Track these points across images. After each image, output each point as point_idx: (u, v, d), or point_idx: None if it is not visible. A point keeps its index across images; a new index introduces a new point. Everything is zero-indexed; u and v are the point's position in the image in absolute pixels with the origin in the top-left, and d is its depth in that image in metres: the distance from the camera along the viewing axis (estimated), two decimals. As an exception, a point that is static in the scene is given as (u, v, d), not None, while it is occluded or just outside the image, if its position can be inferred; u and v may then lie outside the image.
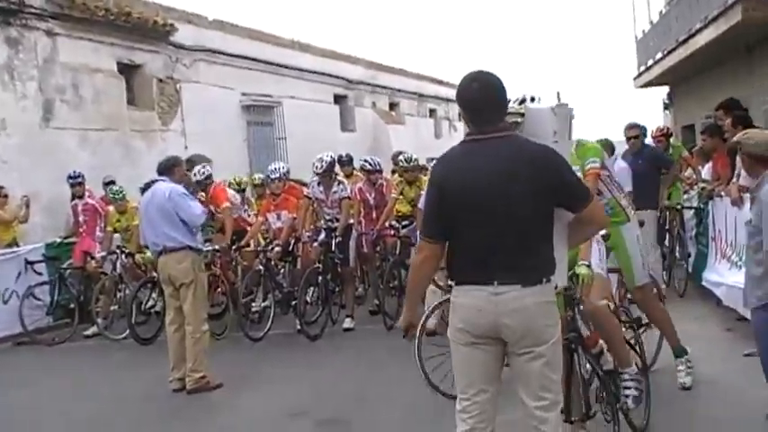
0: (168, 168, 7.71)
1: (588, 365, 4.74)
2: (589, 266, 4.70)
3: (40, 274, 11.00)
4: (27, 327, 10.26)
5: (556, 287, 3.79)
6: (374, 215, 10.26)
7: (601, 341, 4.97)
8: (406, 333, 4.05)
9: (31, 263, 10.97)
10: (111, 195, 11.02)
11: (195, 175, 10.29)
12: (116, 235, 11.06)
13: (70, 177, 11.39)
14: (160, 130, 15.69)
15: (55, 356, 9.73)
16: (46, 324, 10.73)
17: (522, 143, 3.73)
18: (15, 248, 11.16)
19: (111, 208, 11.17)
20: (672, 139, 11.52)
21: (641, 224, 6.23)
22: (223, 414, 6.66)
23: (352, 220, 9.95)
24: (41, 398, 7.68)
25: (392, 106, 26.74)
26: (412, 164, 10.48)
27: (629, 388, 4.91)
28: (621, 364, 4.99)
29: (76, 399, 7.53)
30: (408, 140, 21.31)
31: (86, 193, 11.41)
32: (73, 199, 11.37)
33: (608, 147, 9.02)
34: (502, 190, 3.55)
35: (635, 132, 10.18)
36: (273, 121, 19.34)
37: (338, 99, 23.14)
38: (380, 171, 10.68)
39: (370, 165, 10.51)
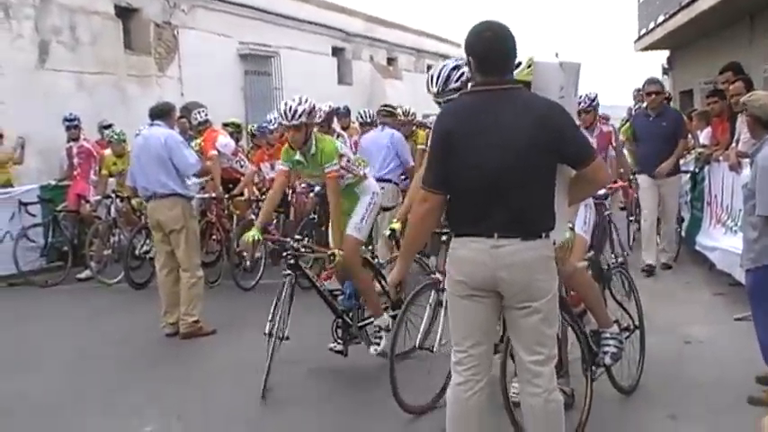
0: (164, 113, 7.68)
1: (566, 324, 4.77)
2: (572, 229, 4.70)
3: (33, 215, 10.98)
4: (21, 268, 10.26)
5: (554, 243, 3.81)
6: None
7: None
8: (398, 287, 4.10)
9: (25, 204, 10.95)
10: (113, 137, 10.89)
11: (195, 117, 10.34)
12: (111, 179, 10.99)
13: (66, 120, 11.29)
14: (156, 75, 15.57)
15: (48, 298, 9.75)
16: (39, 266, 10.72)
17: (528, 97, 3.71)
18: (9, 189, 11.11)
19: (107, 151, 11.08)
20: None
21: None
22: (214, 360, 6.71)
23: None
24: (31, 338, 7.71)
25: (390, 61, 26.56)
26: (410, 117, 10.51)
27: (608, 345, 4.94)
28: (600, 323, 5.00)
29: (67, 339, 7.57)
30: (405, 96, 21.18)
31: (81, 136, 11.33)
32: (68, 142, 11.29)
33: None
34: (507, 143, 3.53)
35: (656, 88, 9.57)
36: (270, 72, 19.23)
37: (336, 52, 22.97)
38: (375, 124, 10.68)
39: (362, 117, 10.67)
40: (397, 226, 5.59)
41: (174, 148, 7.34)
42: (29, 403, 5.71)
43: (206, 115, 10.40)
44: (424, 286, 5.33)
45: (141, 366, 6.57)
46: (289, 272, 5.78)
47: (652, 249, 9.45)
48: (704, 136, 9.97)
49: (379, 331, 6.04)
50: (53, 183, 11.51)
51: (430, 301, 5.35)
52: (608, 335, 4.95)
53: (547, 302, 3.65)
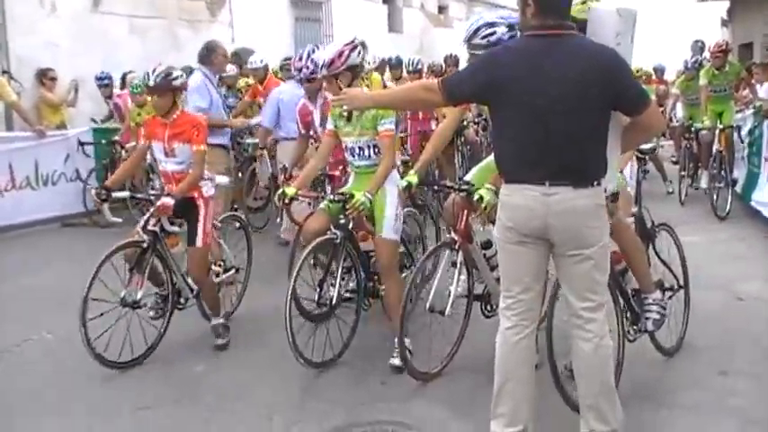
0: (204, 57, 7.66)
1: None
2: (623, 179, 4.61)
3: (89, 156, 11.14)
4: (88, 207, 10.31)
5: (605, 191, 3.75)
6: (420, 114, 10.30)
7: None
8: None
9: (83, 144, 11.11)
10: (131, 89, 10.73)
11: (252, 63, 10.38)
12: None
13: (97, 78, 11.49)
14: (208, 20, 15.56)
15: (105, 238, 9.82)
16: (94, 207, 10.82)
17: (585, 43, 3.63)
18: (64, 131, 11.25)
19: (129, 103, 10.97)
20: (729, 57, 11.16)
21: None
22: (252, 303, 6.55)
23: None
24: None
25: (441, 9, 26.17)
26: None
27: (650, 311, 4.76)
28: (643, 288, 4.79)
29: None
30: (456, 46, 20.90)
31: (115, 93, 11.50)
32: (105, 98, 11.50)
33: None
34: (562, 89, 3.47)
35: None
36: (321, 18, 19.09)
37: (387, -1, 22.72)
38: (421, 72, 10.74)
39: (409, 67, 10.96)
40: (413, 179, 5.06)
41: (187, 96, 7.02)
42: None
43: (262, 62, 10.41)
44: (439, 246, 5.11)
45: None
46: (335, 232, 5.20)
47: None
48: (764, 90, 9.73)
49: None
50: (97, 123, 11.67)
51: (443, 262, 4.98)
52: (651, 300, 4.78)
53: (598, 249, 3.62)
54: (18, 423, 4.68)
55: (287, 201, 5.29)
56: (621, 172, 4.75)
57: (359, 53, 5.30)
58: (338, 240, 5.19)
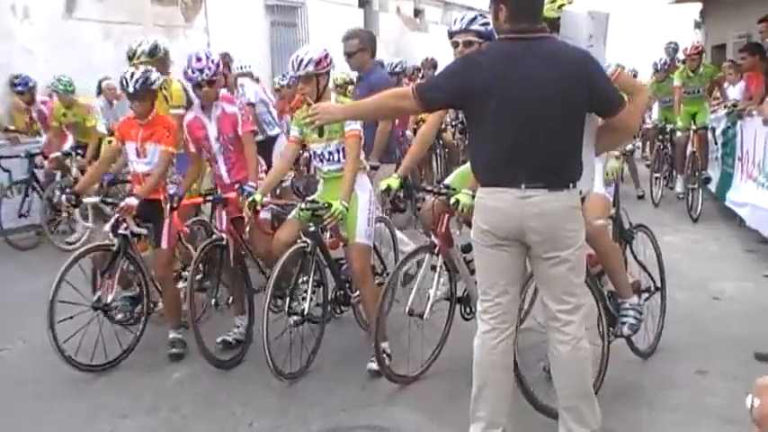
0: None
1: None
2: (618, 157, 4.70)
3: (7, 171, 9.94)
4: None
5: (580, 193, 3.76)
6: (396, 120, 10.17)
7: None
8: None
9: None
10: (58, 87, 9.82)
11: (237, 67, 10.18)
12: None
13: (15, 85, 10.59)
14: (183, 26, 15.48)
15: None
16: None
17: (560, 46, 3.65)
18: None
19: (55, 102, 10.17)
20: (702, 59, 11.27)
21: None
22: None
23: None
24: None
25: (417, 13, 26.24)
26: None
27: (627, 316, 4.75)
28: (620, 292, 4.78)
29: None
30: (432, 49, 20.98)
31: (38, 99, 10.64)
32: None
33: None
34: (538, 92, 3.49)
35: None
36: (296, 23, 19.06)
37: (362, 3, 22.70)
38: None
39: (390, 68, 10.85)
40: (394, 183, 5.03)
41: None
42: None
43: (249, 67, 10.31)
44: (418, 249, 5.07)
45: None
46: (306, 240, 5.13)
47: None
48: (737, 90, 9.82)
49: None
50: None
51: (423, 265, 4.95)
52: (627, 305, 4.77)
53: (575, 251, 3.63)
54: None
55: (257, 208, 5.22)
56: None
57: (330, 61, 5.29)
58: (309, 249, 5.13)
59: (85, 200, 5.60)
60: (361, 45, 6.99)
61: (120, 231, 5.42)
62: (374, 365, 4.97)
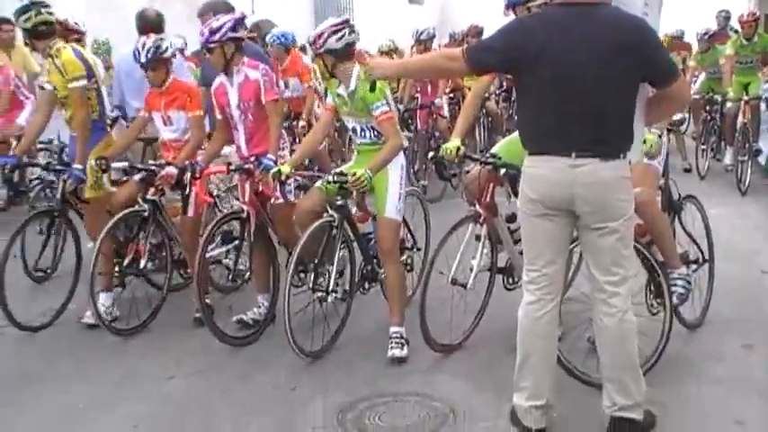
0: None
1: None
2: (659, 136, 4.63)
3: None
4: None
5: (630, 163, 3.71)
6: (429, 89, 10.07)
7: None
8: None
9: None
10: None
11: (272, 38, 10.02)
12: None
13: None
14: (228, -9, 15.47)
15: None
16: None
17: (616, 14, 3.57)
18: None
19: None
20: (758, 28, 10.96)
21: None
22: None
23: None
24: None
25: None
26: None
27: (675, 285, 4.71)
28: (669, 263, 4.74)
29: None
30: (479, 16, 20.73)
31: None
32: None
33: None
34: (593, 59, 3.42)
35: None
36: (341, -10, 19.00)
37: (407, -31, 22.51)
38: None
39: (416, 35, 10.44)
40: (455, 145, 4.91)
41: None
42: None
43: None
44: (463, 219, 4.94)
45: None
46: (332, 214, 5.02)
47: None
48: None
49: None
50: None
51: (467, 234, 4.86)
52: (676, 275, 4.75)
53: (624, 222, 3.59)
54: (48, 387, 4.72)
55: (282, 179, 5.06)
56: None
57: (339, 38, 4.98)
58: (335, 223, 5.04)
59: (114, 165, 5.65)
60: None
61: (149, 197, 5.51)
62: (397, 352, 4.89)
